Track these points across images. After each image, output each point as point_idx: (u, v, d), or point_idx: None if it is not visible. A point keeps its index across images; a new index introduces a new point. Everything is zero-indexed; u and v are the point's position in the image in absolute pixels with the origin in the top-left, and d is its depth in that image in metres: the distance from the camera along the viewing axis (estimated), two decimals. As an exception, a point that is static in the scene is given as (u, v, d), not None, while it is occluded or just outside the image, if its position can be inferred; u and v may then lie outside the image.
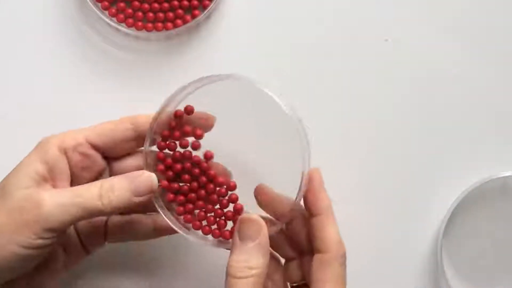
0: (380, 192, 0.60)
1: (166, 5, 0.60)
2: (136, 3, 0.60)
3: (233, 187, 0.53)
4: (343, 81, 0.61)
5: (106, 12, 0.60)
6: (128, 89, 0.61)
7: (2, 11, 0.61)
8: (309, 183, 0.51)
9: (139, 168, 0.52)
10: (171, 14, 0.60)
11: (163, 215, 0.52)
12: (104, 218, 0.55)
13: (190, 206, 0.53)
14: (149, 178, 0.50)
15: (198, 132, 0.53)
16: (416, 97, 0.61)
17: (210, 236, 0.53)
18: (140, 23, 0.60)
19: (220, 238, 0.52)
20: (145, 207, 0.54)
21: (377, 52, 0.61)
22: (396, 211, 0.58)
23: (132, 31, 0.60)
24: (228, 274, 0.48)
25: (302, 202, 0.52)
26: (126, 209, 0.50)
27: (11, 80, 0.61)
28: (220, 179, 0.53)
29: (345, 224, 0.60)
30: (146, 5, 0.60)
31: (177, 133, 0.53)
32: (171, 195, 0.53)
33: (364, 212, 0.60)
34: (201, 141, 0.53)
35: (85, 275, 0.60)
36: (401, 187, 0.60)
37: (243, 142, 0.56)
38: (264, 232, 0.50)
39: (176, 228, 0.52)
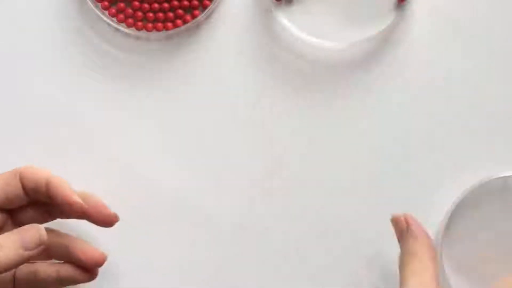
0: (379, 192, 0.60)
1: (166, 5, 0.60)
2: (136, 3, 0.60)
3: None
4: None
5: (106, 12, 0.60)
6: (128, 89, 0.61)
7: (1, 11, 0.61)
8: None
9: (39, 218, 0.54)
10: (171, 14, 0.60)
11: None
12: (11, 273, 0.55)
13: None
14: (37, 231, 0.51)
15: None
16: (414, 97, 0.61)
17: None
18: (140, 23, 0.60)
19: None
20: (50, 256, 0.55)
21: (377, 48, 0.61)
22: (397, 210, 0.58)
23: (132, 31, 0.60)
24: None
25: None
26: (20, 265, 0.50)
27: (10, 80, 0.61)
28: None
29: (345, 223, 0.60)
30: (146, 5, 0.60)
31: None
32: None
33: (364, 212, 0.60)
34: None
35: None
36: (401, 186, 0.60)
37: None
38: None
39: None
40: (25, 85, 0.61)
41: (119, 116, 0.61)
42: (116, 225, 0.56)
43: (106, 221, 0.55)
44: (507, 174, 0.59)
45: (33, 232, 0.50)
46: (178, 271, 0.60)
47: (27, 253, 0.50)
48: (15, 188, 0.54)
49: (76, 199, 0.53)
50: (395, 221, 0.55)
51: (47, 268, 0.55)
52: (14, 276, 0.55)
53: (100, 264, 0.55)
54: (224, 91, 0.61)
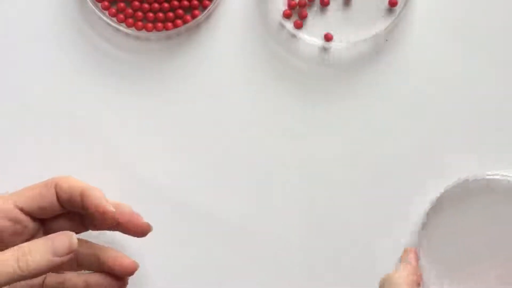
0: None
1: (166, 5, 0.60)
2: (136, 3, 0.60)
3: None
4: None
5: (106, 12, 0.60)
6: (128, 89, 0.61)
7: (1, 11, 0.61)
8: None
9: (71, 228, 0.53)
10: (171, 14, 0.60)
11: None
12: (40, 280, 0.55)
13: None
14: (68, 238, 0.50)
15: None
16: (414, 97, 0.61)
17: None
18: (140, 23, 0.60)
19: None
20: (80, 266, 0.55)
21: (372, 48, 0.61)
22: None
23: (132, 31, 0.60)
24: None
25: None
26: (49, 271, 0.50)
27: (10, 80, 0.61)
28: None
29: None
30: (146, 5, 0.60)
31: None
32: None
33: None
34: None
35: None
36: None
37: None
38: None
39: None
40: (25, 85, 0.61)
41: (119, 116, 0.61)
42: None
43: (138, 231, 0.55)
44: (490, 176, 0.59)
45: (64, 239, 0.50)
46: (179, 272, 0.61)
47: (56, 259, 0.49)
48: (50, 198, 0.53)
49: (110, 208, 0.53)
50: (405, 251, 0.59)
51: (76, 278, 0.55)
52: (43, 285, 0.55)
53: (131, 272, 0.55)
54: (224, 91, 0.61)
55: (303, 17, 0.60)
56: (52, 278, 0.55)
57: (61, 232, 0.50)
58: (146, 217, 0.57)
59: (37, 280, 0.55)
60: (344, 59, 0.61)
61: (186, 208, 0.61)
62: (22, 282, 0.53)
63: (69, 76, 0.61)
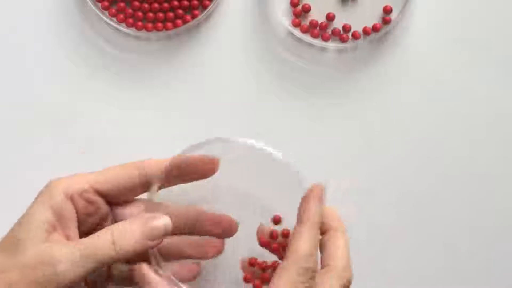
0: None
1: (166, 5, 0.60)
2: (136, 3, 0.60)
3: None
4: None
5: (106, 12, 0.60)
6: (128, 89, 0.61)
7: (1, 11, 0.61)
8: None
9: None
10: (171, 14, 0.60)
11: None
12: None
13: None
14: (163, 221, 0.49)
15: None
16: (413, 97, 0.61)
17: None
18: (140, 23, 0.60)
19: None
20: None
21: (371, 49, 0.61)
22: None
23: (132, 31, 0.60)
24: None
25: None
26: (140, 254, 0.49)
27: (10, 79, 0.61)
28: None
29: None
30: (146, 5, 0.60)
31: None
32: None
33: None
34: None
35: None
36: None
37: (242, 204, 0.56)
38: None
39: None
40: (25, 85, 0.61)
41: (119, 116, 0.61)
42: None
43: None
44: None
45: (160, 222, 0.49)
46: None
47: (152, 242, 0.49)
48: (132, 180, 0.52)
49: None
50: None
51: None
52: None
53: (233, 232, 0.54)
54: (224, 91, 0.61)
55: (313, 26, 0.60)
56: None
57: (152, 214, 0.50)
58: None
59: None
60: (344, 59, 0.61)
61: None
62: None
63: (69, 76, 0.61)
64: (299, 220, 0.49)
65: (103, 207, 0.52)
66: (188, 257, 0.55)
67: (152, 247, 0.49)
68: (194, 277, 0.55)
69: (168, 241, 0.53)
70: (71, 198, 0.50)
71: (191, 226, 0.54)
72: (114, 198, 0.53)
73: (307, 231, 0.49)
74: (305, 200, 0.50)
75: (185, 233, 0.54)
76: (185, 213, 0.54)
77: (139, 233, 0.48)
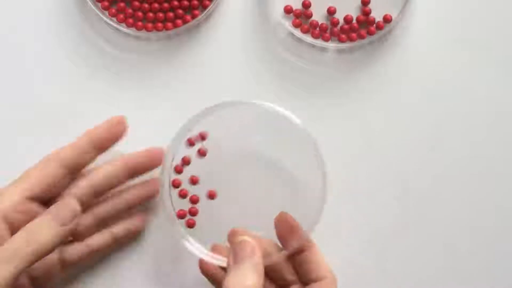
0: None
1: (166, 5, 0.60)
2: (136, 3, 0.60)
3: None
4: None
5: (106, 12, 0.60)
6: (128, 89, 0.61)
7: (1, 11, 0.61)
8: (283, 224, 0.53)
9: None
10: (171, 14, 0.60)
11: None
12: (54, 256, 0.55)
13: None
14: (69, 205, 0.51)
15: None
16: (413, 97, 0.61)
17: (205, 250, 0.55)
18: (140, 23, 0.60)
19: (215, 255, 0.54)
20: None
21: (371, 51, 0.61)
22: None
23: (132, 31, 0.60)
24: None
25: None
26: (64, 241, 0.50)
27: (10, 79, 0.61)
28: None
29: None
30: (146, 5, 0.60)
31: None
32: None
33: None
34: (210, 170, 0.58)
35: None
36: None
37: (257, 167, 0.58)
38: (257, 252, 0.50)
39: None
40: (25, 85, 0.61)
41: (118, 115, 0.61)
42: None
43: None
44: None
45: (66, 206, 0.50)
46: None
47: (65, 227, 0.50)
48: (53, 173, 0.54)
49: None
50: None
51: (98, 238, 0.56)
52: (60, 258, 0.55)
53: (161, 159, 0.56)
54: (224, 91, 0.61)
55: (314, 26, 0.60)
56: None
57: (58, 202, 0.51)
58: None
59: (51, 257, 0.54)
60: (345, 59, 0.61)
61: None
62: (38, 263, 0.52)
63: (69, 75, 0.61)
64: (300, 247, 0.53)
65: (39, 209, 0.53)
66: (133, 203, 0.57)
67: (69, 231, 0.50)
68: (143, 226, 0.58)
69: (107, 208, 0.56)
70: (5, 218, 0.51)
71: (130, 171, 0.57)
72: (45, 197, 0.53)
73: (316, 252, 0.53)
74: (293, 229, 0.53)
75: (123, 181, 0.57)
76: (113, 169, 0.56)
77: (51, 225, 0.49)
